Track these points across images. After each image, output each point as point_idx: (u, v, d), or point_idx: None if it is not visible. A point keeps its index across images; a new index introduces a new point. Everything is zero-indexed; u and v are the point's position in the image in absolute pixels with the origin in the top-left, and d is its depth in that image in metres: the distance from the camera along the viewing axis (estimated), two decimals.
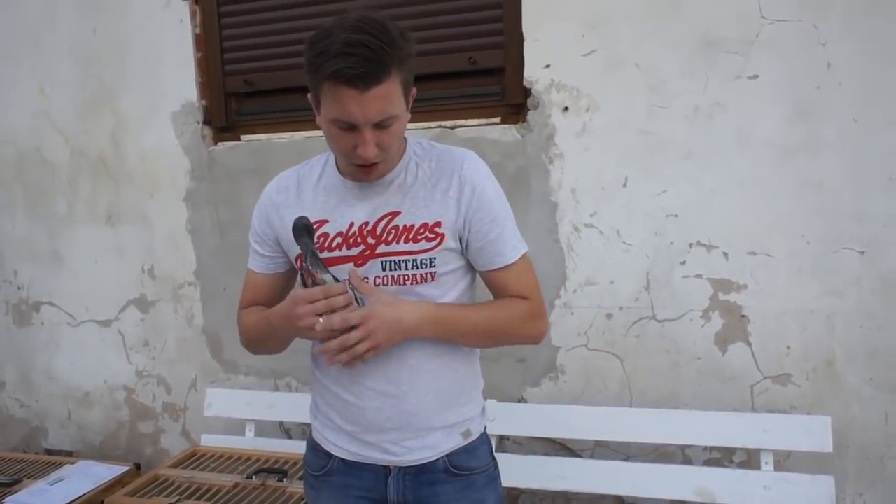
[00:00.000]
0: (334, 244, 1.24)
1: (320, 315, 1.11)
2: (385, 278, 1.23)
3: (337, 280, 1.15)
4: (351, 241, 1.23)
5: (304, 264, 1.13)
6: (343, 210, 1.25)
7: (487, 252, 1.25)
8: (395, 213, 1.22)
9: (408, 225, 1.22)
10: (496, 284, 1.28)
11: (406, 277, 1.22)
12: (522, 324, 1.28)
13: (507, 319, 1.27)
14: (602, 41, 2.17)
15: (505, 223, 1.25)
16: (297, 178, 1.31)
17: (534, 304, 1.28)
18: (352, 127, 1.11)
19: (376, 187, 1.24)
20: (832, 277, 2.06)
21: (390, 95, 1.09)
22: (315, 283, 1.13)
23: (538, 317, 1.30)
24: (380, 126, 1.11)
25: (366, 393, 1.25)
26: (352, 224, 1.23)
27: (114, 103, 2.72)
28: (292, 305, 1.16)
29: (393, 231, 1.22)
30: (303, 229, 1.15)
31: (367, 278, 1.22)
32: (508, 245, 1.25)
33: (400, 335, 1.18)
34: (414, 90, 1.19)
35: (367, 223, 1.23)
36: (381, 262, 1.22)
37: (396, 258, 1.22)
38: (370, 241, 1.22)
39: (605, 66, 2.18)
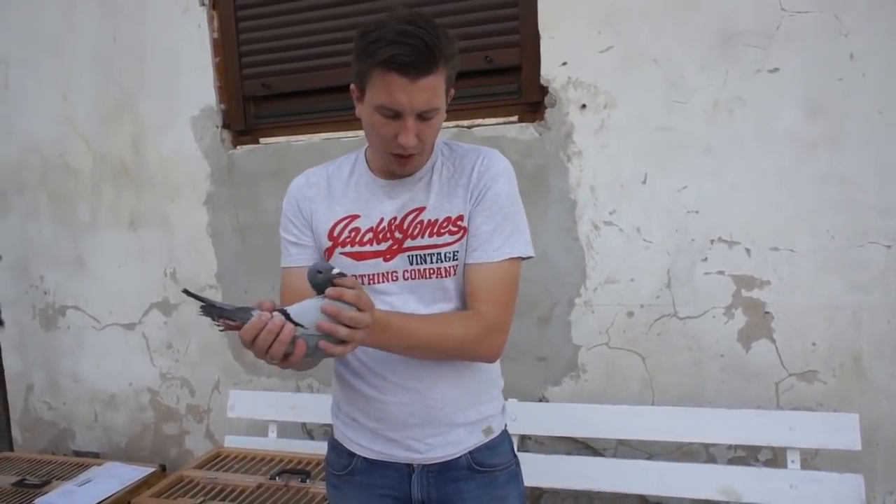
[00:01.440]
0: (365, 239, 1.26)
1: (269, 347, 1.02)
2: (412, 272, 1.24)
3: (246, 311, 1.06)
4: (381, 235, 1.25)
5: (218, 321, 1.06)
6: (373, 205, 1.27)
7: (473, 243, 1.23)
8: (422, 209, 1.25)
9: (432, 220, 1.24)
10: (467, 282, 1.23)
11: (431, 271, 1.24)
12: (476, 343, 1.21)
13: (458, 338, 1.19)
14: (619, 37, 2.15)
15: (505, 222, 1.23)
16: (326, 175, 1.33)
17: (491, 318, 1.21)
18: (396, 116, 1.14)
19: (405, 184, 1.26)
20: (858, 272, 2.03)
21: (436, 88, 1.13)
22: (235, 328, 1.05)
23: (494, 333, 1.22)
24: (422, 118, 1.14)
25: (389, 388, 1.26)
26: (381, 219, 1.26)
27: (134, 109, 2.76)
28: (253, 352, 1.07)
29: (419, 226, 1.24)
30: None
31: (396, 272, 1.24)
32: (496, 244, 1.23)
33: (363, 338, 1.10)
34: (452, 90, 1.23)
35: (395, 218, 1.25)
36: (409, 257, 1.24)
37: (422, 252, 1.23)
38: (398, 235, 1.24)
39: (622, 63, 2.16)
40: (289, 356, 1.04)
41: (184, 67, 2.66)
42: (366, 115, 1.19)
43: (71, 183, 2.90)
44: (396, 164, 1.21)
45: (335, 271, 1.05)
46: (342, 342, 1.04)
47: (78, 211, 2.90)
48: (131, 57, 2.73)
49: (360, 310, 1.04)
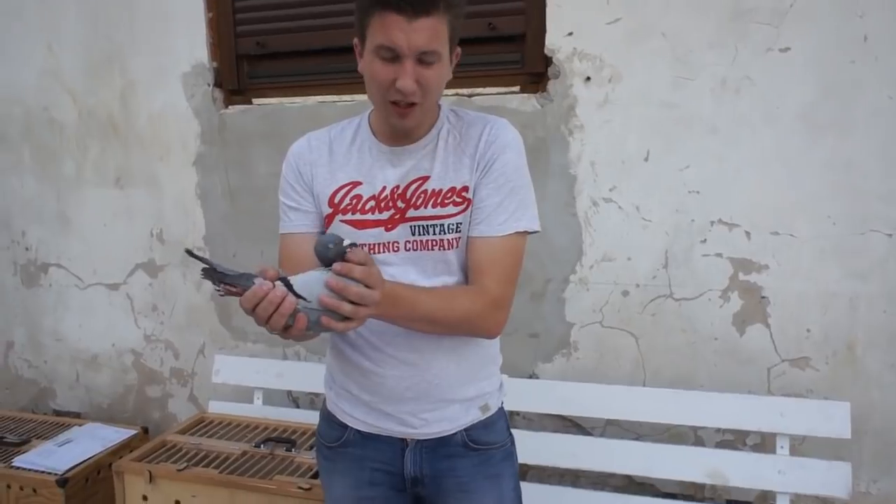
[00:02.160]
0: (367, 207, 1.22)
1: (269, 317, 0.99)
2: (414, 243, 1.20)
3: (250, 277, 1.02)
4: (383, 204, 1.21)
5: (219, 286, 1.02)
6: (376, 173, 1.22)
7: (477, 216, 1.19)
8: (425, 178, 1.21)
9: (436, 189, 1.20)
10: (470, 255, 1.20)
11: (434, 242, 1.20)
12: (480, 319, 1.19)
13: (464, 312, 1.17)
14: (627, 9, 2.09)
15: (511, 195, 1.19)
16: (328, 139, 1.28)
17: (496, 293, 1.18)
18: (394, 58, 1.10)
19: (409, 151, 1.22)
20: (857, 260, 2.00)
21: (436, 31, 1.09)
22: (235, 294, 1.02)
23: (498, 309, 1.20)
24: (422, 61, 1.10)
25: (387, 361, 1.23)
26: (384, 188, 1.22)
27: (123, 63, 2.66)
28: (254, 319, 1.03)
29: (422, 195, 1.20)
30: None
31: (397, 242, 1.20)
32: (502, 217, 1.19)
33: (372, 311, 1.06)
34: (459, 50, 1.19)
35: (398, 187, 1.21)
36: (411, 227, 1.20)
37: (424, 223, 1.20)
38: (400, 205, 1.21)
39: (629, 35, 2.10)
40: (289, 328, 1.01)
41: (176, 21, 2.57)
42: (366, 64, 1.15)
43: (55, 137, 2.81)
44: (395, 114, 1.15)
45: (347, 242, 1.00)
46: (346, 318, 1.00)
47: (62, 166, 2.82)
48: (121, 8, 2.63)
49: (367, 286, 0.99)
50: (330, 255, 1.00)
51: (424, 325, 1.17)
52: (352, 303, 0.99)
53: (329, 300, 0.98)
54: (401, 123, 1.17)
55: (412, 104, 1.13)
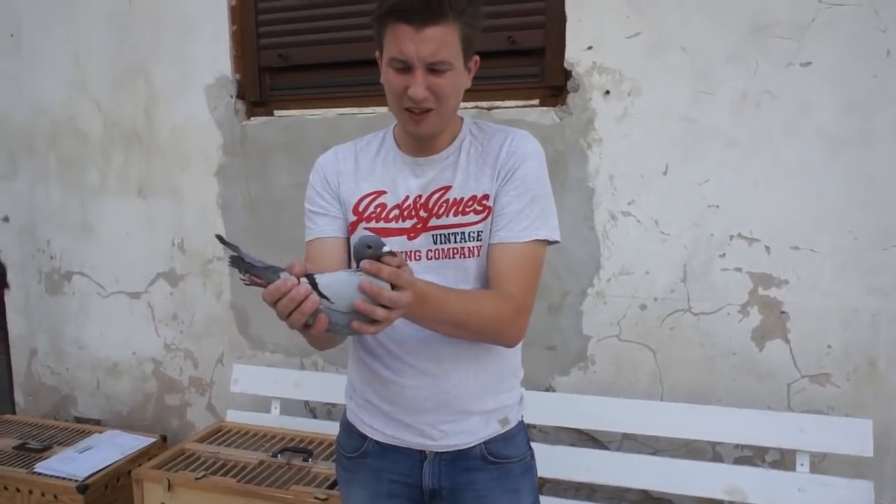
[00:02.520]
0: (391, 216, 1.23)
1: (290, 313, 0.98)
2: (436, 251, 1.21)
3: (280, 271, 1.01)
4: (405, 213, 1.23)
5: (245, 275, 1.01)
6: (399, 182, 1.24)
7: (498, 223, 1.20)
8: (447, 188, 1.22)
9: (458, 198, 1.21)
10: (491, 262, 1.20)
11: (455, 251, 1.21)
12: (506, 324, 1.18)
13: (490, 316, 1.15)
14: (647, 23, 2.10)
15: (532, 203, 1.20)
16: (354, 151, 1.30)
17: (518, 299, 1.17)
18: (406, 68, 1.12)
19: (432, 162, 1.24)
20: (879, 275, 1.98)
21: (445, 40, 1.10)
22: (260, 285, 1.01)
23: (520, 316, 1.19)
24: (433, 70, 1.12)
25: (407, 370, 1.24)
26: (407, 197, 1.23)
27: (147, 75, 2.71)
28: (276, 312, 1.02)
29: (444, 205, 1.22)
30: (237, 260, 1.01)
31: (419, 251, 1.21)
32: (522, 224, 1.19)
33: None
34: (477, 58, 1.20)
35: (420, 196, 1.23)
36: (433, 236, 1.21)
37: (446, 231, 1.21)
38: (422, 214, 1.22)
39: (649, 49, 2.10)
40: (309, 327, 1.00)
41: (199, 34, 2.61)
42: (383, 75, 1.17)
43: (81, 147, 2.86)
44: (411, 121, 1.17)
45: (386, 248, 0.99)
46: (374, 321, 0.99)
47: (87, 176, 2.87)
48: (146, 21, 2.68)
49: (395, 287, 0.99)
50: (367, 255, 1.00)
51: (450, 328, 1.15)
52: (383, 307, 0.98)
53: (363, 305, 0.97)
54: (416, 130, 1.18)
55: (427, 111, 1.15)
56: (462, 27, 1.12)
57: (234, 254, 1.00)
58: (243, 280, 1.01)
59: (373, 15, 1.14)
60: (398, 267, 0.99)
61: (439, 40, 1.10)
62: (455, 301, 1.14)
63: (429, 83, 1.12)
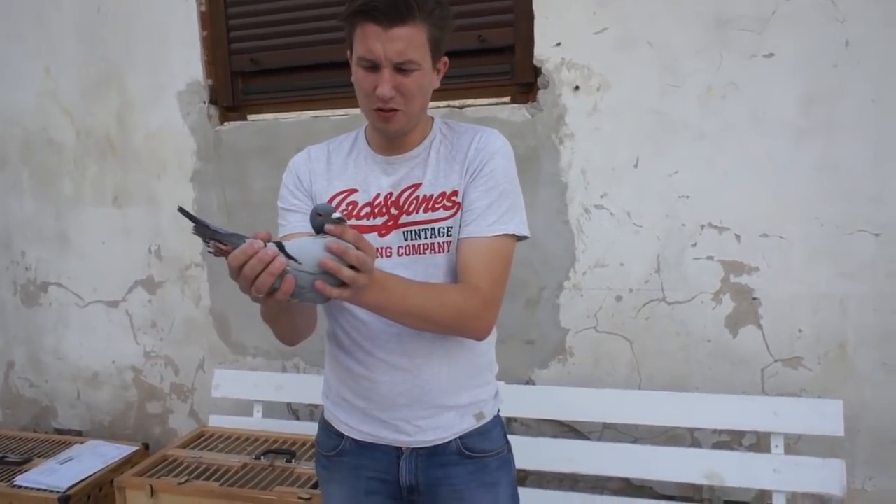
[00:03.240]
0: (362, 213, 1.25)
1: (256, 277, 0.96)
2: (407, 248, 1.23)
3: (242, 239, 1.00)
4: (377, 210, 1.24)
5: (209, 243, 1.00)
6: (371, 180, 1.26)
7: (467, 218, 1.21)
8: (418, 185, 1.24)
9: (427, 195, 1.23)
10: (459, 256, 1.21)
11: (425, 246, 1.22)
12: (471, 317, 1.18)
13: (454, 307, 1.16)
14: (614, 19, 2.13)
15: (501, 198, 1.22)
16: (326, 151, 1.32)
17: (486, 292, 1.18)
18: (374, 67, 1.14)
19: (402, 160, 1.25)
20: (846, 260, 2.03)
21: (413, 40, 1.12)
22: (225, 252, 1.00)
23: (487, 309, 1.20)
24: (400, 70, 1.13)
25: (379, 365, 1.25)
26: (378, 195, 1.25)
27: (119, 83, 2.70)
28: (238, 284, 1.00)
29: (414, 202, 1.23)
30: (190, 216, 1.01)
31: (390, 248, 1.23)
32: (490, 219, 1.20)
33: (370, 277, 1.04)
34: (446, 59, 1.23)
35: (391, 194, 1.24)
36: (403, 232, 1.23)
37: (416, 227, 1.22)
38: (393, 211, 1.24)
39: (616, 45, 2.14)
40: (275, 292, 0.98)
41: (170, 41, 2.61)
42: (353, 74, 1.19)
43: (54, 157, 2.84)
44: (379, 119, 1.19)
45: (336, 214, 1.00)
46: (341, 285, 1.00)
47: (61, 186, 2.85)
48: (116, 29, 2.67)
49: (359, 250, 1.00)
50: (318, 222, 1.01)
51: (415, 320, 1.16)
52: (351, 267, 0.98)
53: (330, 263, 0.97)
54: (385, 128, 1.20)
55: (395, 110, 1.17)
56: (430, 28, 1.14)
57: (197, 223, 0.99)
58: (209, 249, 1.00)
59: (342, 15, 1.16)
60: (354, 234, 1.00)
61: (406, 40, 1.12)
62: (417, 291, 1.15)
63: (396, 83, 1.14)
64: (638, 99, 2.14)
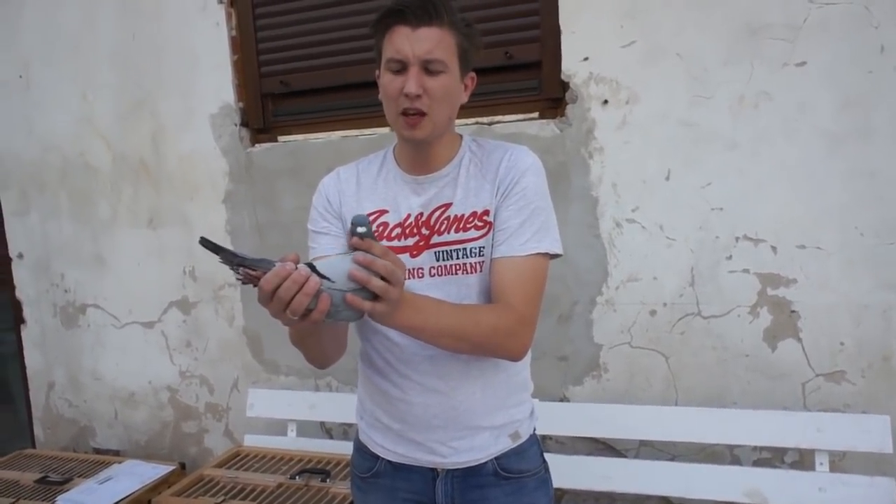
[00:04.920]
0: (393, 234, 1.24)
1: (290, 300, 0.96)
2: (439, 268, 1.22)
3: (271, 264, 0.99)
4: (408, 231, 1.24)
5: (238, 270, 0.98)
6: (400, 201, 1.25)
7: (499, 237, 1.20)
8: (448, 205, 1.23)
9: (458, 215, 1.23)
10: (493, 276, 1.20)
11: (457, 267, 1.22)
12: (507, 336, 1.16)
13: (489, 327, 1.14)
14: (641, 31, 2.12)
15: (533, 216, 1.20)
16: (356, 172, 1.32)
17: (522, 311, 1.17)
18: (402, 67, 1.15)
19: (432, 180, 1.25)
20: (887, 270, 1.98)
21: (440, 42, 1.15)
22: (255, 278, 0.98)
23: (522, 328, 1.18)
24: (427, 70, 1.15)
25: (413, 387, 1.24)
26: (408, 215, 1.24)
27: (153, 107, 2.76)
28: (269, 308, 1.00)
29: (445, 222, 1.23)
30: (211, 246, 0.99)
31: (422, 268, 1.22)
32: (523, 238, 1.19)
33: (400, 292, 1.03)
34: (473, 75, 1.25)
35: (422, 214, 1.24)
36: (435, 253, 1.22)
37: (448, 248, 1.22)
38: (424, 231, 1.23)
39: (645, 57, 2.12)
40: (310, 312, 0.98)
41: (202, 65, 2.66)
42: (380, 81, 1.20)
43: (91, 181, 2.91)
44: (406, 126, 1.18)
45: (360, 229, 1.00)
46: (373, 298, 0.99)
47: (98, 209, 2.91)
48: (150, 55, 2.73)
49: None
50: (356, 234, 1.01)
51: (450, 341, 1.14)
52: (381, 279, 0.98)
53: (358, 273, 0.97)
54: (411, 134, 1.19)
55: (421, 114, 1.16)
56: (457, 35, 1.17)
57: (224, 250, 0.97)
58: (238, 276, 0.99)
59: (372, 23, 1.19)
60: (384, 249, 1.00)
61: (434, 40, 1.14)
62: (450, 311, 1.14)
63: (423, 82, 1.15)
64: (668, 111, 2.12)
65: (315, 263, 1.00)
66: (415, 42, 1.13)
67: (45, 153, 2.97)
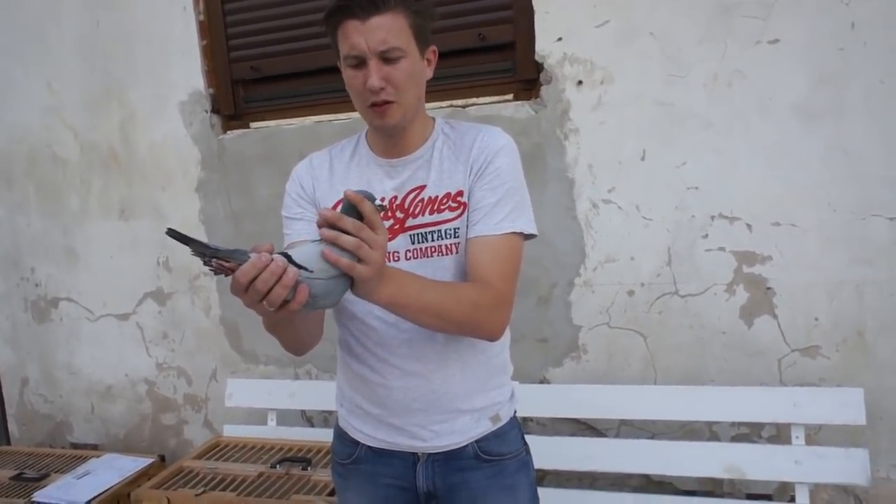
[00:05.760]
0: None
1: (268, 292, 0.93)
2: (414, 251, 1.21)
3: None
4: (382, 215, 1.21)
5: (210, 262, 0.95)
6: (374, 185, 1.24)
7: (474, 217, 1.20)
8: (422, 187, 1.22)
9: (433, 196, 1.22)
10: (468, 256, 1.19)
11: (433, 249, 1.21)
12: (487, 312, 1.16)
13: (470, 303, 1.13)
14: (615, 11, 2.11)
15: (507, 196, 1.20)
16: (329, 158, 1.31)
17: (499, 289, 1.16)
18: (360, 63, 1.14)
19: (405, 163, 1.24)
20: (861, 246, 2.00)
21: (392, 28, 1.12)
22: (229, 269, 0.95)
23: (500, 306, 1.17)
24: (386, 60, 1.13)
25: (392, 372, 1.24)
26: (382, 199, 1.22)
27: (121, 96, 2.70)
28: (243, 299, 0.97)
29: (419, 204, 1.22)
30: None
31: (398, 252, 1.21)
32: (497, 218, 1.18)
33: (378, 268, 1.00)
34: (434, 48, 1.22)
35: (396, 197, 1.23)
36: (410, 236, 1.21)
37: (423, 230, 1.21)
38: (399, 215, 1.22)
39: (619, 37, 2.11)
40: (287, 303, 0.95)
41: (170, 52, 2.61)
42: (345, 78, 1.19)
43: (59, 173, 2.85)
44: (375, 115, 1.17)
45: (377, 201, 0.98)
46: (359, 261, 0.96)
47: (67, 202, 2.85)
48: (116, 42, 2.67)
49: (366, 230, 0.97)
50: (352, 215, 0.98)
51: (431, 318, 1.12)
52: (355, 256, 0.96)
53: (329, 253, 0.95)
54: (382, 123, 1.18)
55: (388, 102, 1.15)
56: (409, 15, 1.14)
57: (194, 241, 0.93)
58: (210, 268, 0.96)
59: (321, 19, 1.17)
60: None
61: (386, 28, 1.12)
62: (431, 287, 1.13)
63: (384, 73, 1.13)
64: (642, 91, 2.11)
65: (290, 252, 0.98)
66: (367, 34, 1.11)
67: (11, 145, 2.90)
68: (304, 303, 0.96)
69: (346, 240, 0.95)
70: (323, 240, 0.97)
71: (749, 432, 2.15)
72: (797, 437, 1.97)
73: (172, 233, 0.94)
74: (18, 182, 2.92)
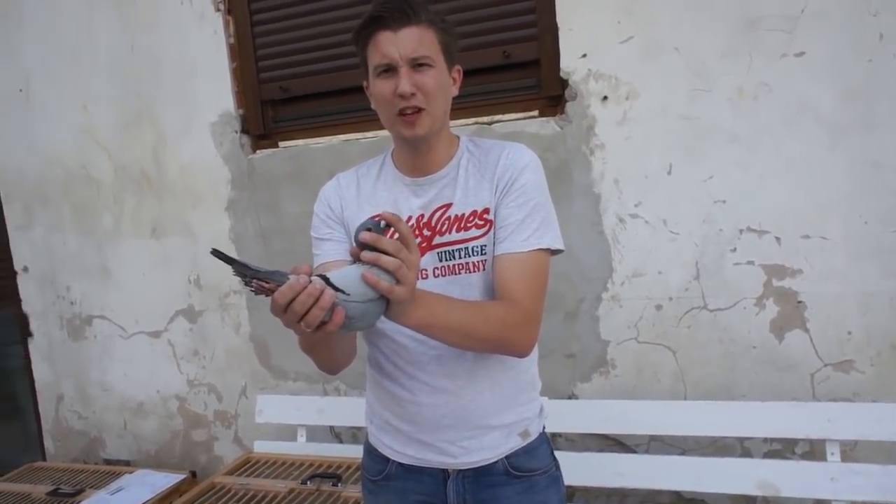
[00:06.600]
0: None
1: (305, 313, 0.96)
2: (442, 269, 1.23)
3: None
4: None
5: (251, 283, 0.98)
6: (401, 203, 1.26)
7: (501, 234, 1.21)
8: (448, 205, 1.24)
9: (459, 214, 1.23)
10: (496, 273, 1.20)
11: (460, 266, 1.22)
12: (514, 330, 1.17)
13: (498, 321, 1.14)
14: (639, 27, 2.12)
15: (533, 213, 1.21)
16: (356, 178, 1.33)
17: (527, 306, 1.17)
18: (391, 70, 1.17)
19: (432, 181, 1.26)
20: (892, 258, 1.97)
21: (423, 39, 1.17)
22: (268, 290, 0.98)
23: (530, 323, 1.18)
24: (417, 67, 1.17)
25: (422, 388, 1.24)
26: (409, 217, 1.25)
27: (153, 118, 2.77)
28: (282, 319, 1.00)
29: (446, 222, 1.23)
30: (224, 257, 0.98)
31: (426, 269, 1.22)
32: (524, 234, 1.19)
33: (412, 289, 1.02)
34: (459, 68, 1.26)
35: (423, 216, 1.24)
36: (438, 254, 1.23)
37: (450, 248, 1.22)
38: (426, 233, 1.23)
39: (643, 52, 2.12)
40: (324, 325, 0.97)
41: (201, 74, 2.67)
42: (371, 89, 1.22)
43: (93, 193, 2.92)
44: (405, 125, 1.19)
45: (383, 223, 1.00)
46: (398, 283, 0.99)
47: (101, 221, 2.92)
48: (149, 65, 2.74)
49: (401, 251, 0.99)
50: (362, 237, 1.00)
51: (459, 337, 1.13)
52: (393, 278, 0.98)
53: (370, 275, 0.97)
54: (412, 133, 1.20)
55: (418, 110, 1.17)
56: (437, 31, 1.18)
57: (237, 262, 0.97)
58: (250, 289, 0.99)
59: (353, 34, 1.20)
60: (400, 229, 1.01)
61: (417, 39, 1.16)
62: (459, 307, 1.14)
63: (414, 80, 1.16)
64: (667, 105, 2.12)
65: (328, 275, 1.00)
66: (399, 43, 1.15)
67: (47, 166, 2.98)
68: (340, 324, 0.98)
69: (387, 260, 0.97)
70: (362, 262, 0.99)
71: (782, 448, 2.12)
72: (832, 454, 1.93)
73: (217, 253, 0.99)
74: (54, 202, 3.00)
